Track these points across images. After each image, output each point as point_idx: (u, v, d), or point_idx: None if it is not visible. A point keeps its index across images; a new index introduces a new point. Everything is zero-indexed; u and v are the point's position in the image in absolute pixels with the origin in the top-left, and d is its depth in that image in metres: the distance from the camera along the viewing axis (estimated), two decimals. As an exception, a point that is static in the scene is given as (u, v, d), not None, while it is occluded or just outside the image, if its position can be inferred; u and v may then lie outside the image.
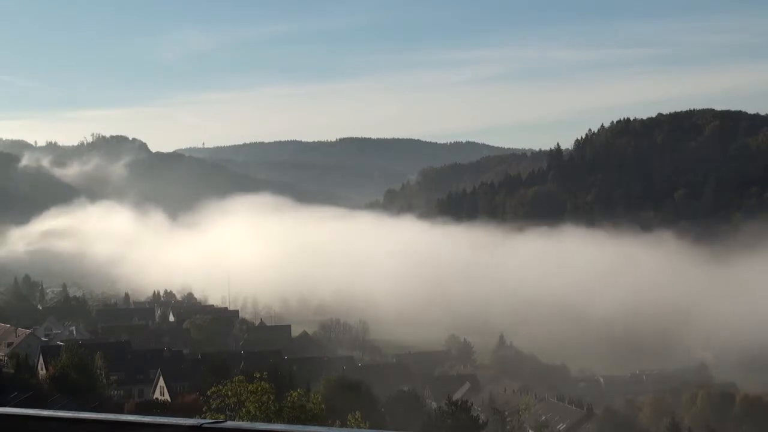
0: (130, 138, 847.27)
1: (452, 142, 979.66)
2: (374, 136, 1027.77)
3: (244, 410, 53.96)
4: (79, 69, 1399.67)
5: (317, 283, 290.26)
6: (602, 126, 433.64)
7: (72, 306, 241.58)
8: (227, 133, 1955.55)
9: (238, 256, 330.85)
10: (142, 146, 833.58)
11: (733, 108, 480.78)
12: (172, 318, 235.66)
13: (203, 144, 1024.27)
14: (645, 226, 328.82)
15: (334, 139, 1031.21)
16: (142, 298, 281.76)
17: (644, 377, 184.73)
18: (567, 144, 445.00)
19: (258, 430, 8.70)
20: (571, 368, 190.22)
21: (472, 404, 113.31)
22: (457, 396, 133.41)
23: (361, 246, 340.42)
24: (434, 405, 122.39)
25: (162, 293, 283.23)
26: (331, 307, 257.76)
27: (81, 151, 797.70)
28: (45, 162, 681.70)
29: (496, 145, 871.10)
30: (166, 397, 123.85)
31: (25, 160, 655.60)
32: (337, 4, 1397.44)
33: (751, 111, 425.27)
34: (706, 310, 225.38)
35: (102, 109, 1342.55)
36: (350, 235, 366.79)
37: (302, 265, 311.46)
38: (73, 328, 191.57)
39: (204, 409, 62.46)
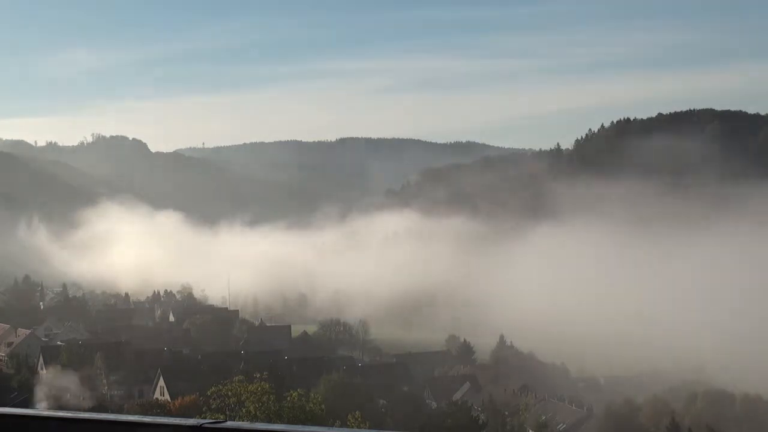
0: (130, 138, 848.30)
1: (452, 142, 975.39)
2: (374, 136, 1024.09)
3: (244, 410, 54.01)
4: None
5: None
6: (602, 126, 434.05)
7: (72, 306, 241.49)
8: (227, 133, 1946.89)
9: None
10: (142, 146, 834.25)
11: (733, 108, 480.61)
12: (172, 318, 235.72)
13: (203, 144, 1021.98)
14: (645, 226, 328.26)
15: (334, 139, 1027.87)
16: (142, 298, 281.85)
17: (644, 377, 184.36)
18: (567, 144, 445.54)
19: (258, 430, 8.72)
20: (571, 368, 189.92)
21: (472, 404, 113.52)
22: (457, 396, 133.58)
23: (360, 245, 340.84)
24: (434, 405, 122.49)
25: (162, 293, 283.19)
26: (330, 307, 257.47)
27: (81, 151, 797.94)
28: (46, 162, 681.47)
29: (496, 145, 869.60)
30: (166, 397, 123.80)
31: (26, 161, 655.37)
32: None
33: (751, 111, 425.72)
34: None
35: (98, 111, 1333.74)
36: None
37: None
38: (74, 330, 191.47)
39: (204, 409, 62.58)
